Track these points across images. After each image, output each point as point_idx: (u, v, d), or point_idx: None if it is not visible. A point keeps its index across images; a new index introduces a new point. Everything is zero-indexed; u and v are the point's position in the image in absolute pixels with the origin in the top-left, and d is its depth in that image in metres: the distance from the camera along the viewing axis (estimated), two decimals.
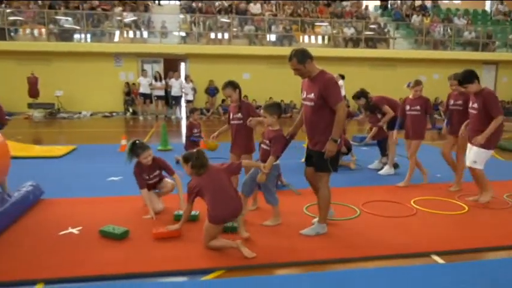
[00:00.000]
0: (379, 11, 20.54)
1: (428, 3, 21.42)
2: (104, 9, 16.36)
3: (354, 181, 6.05)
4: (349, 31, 17.65)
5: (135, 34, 16.48)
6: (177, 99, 15.41)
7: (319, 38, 17.80)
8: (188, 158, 3.63)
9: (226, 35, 16.93)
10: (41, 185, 4.97)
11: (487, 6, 23.14)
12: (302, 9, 18.18)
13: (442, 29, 18.86)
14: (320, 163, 3.82)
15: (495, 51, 18.94)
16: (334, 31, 17.62)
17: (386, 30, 18.52)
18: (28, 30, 15.61)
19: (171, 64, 16.72)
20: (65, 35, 15.84)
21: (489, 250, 3.74)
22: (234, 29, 17.00)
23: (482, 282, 3.08)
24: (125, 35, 16.30)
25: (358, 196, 5.17)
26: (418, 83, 5.84)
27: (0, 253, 3.49)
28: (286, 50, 17.97)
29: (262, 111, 4.25)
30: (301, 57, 3.68)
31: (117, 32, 16.32)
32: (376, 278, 3.14)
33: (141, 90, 15.12)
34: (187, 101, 15.35)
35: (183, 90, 15.25)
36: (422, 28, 18.57)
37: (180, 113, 15.57)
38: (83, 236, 3.88)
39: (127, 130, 12.00)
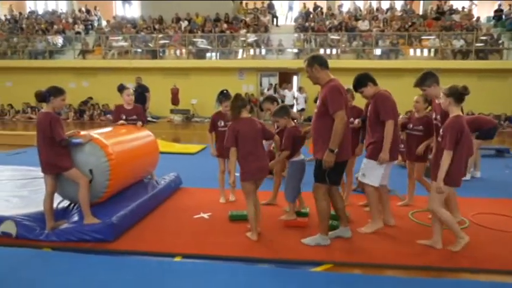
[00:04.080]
0: (492, 22, 18.18)
1: None
2: (231, 32, 17.33)
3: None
4: (458, 43, 15.96)
5: (255, 52, 17.14)
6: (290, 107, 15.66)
7: (425, 50, 16.43)
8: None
9: (334, 50, 16.63)
10: (180, 176, 5.43)
11: None
12: (410, 23, 16.97)
13: None
14: (317, 172, 3.36)
15: None
16: (443, 43, 16.10)
17: (500, 41, 16.30)
18: (172, 51, 17.27)
19: (285, 77, 16.98)
20: (200, 54, 17.17)
21: None
22: (343, 45, 16.60)
23: None
24: (247, 52, 17.06)
25: (467, 207, 4.63)
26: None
27: (148, 227, 3.90)
28: (392, 63, 16.77)
29: (272, 118, 4.23)
30: (310, 61, 3.41)
31: (241, 50, 17.14)
32: None
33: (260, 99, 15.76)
34: (300, 110, 15.41)
35: (296, 99, 15.42)
36: None
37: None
38: (212, 220, 4.13)
39: None
